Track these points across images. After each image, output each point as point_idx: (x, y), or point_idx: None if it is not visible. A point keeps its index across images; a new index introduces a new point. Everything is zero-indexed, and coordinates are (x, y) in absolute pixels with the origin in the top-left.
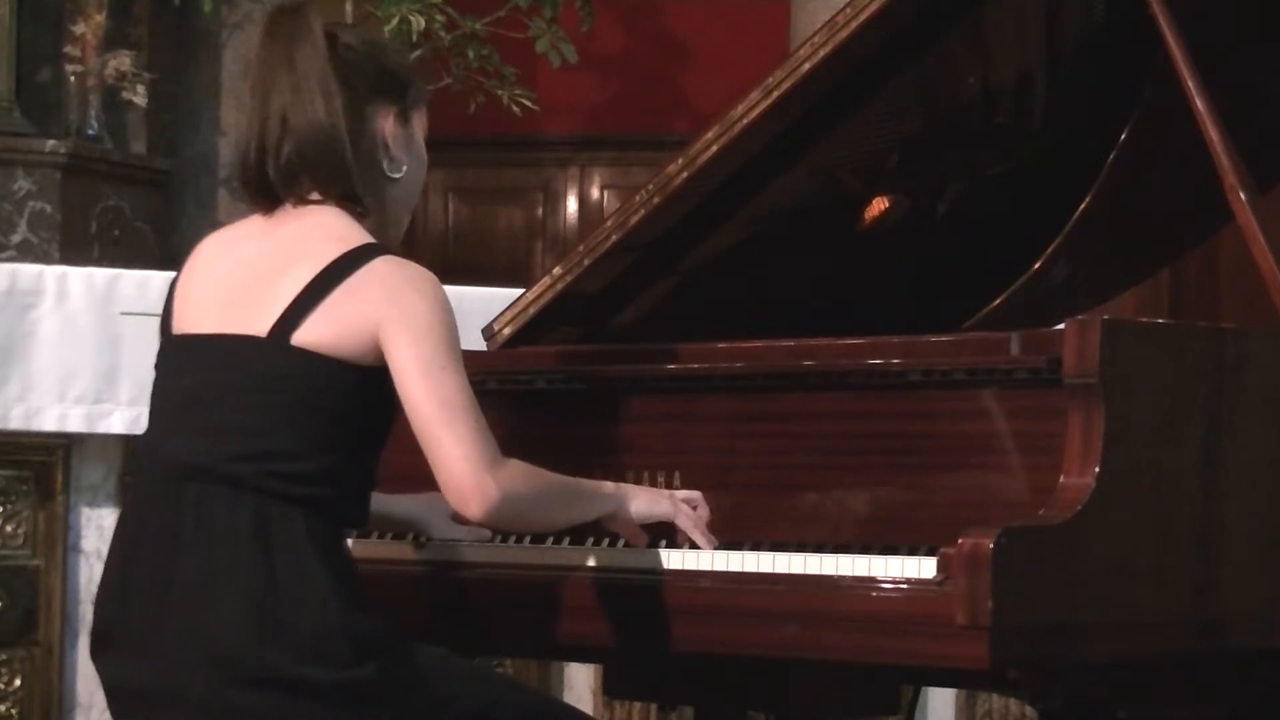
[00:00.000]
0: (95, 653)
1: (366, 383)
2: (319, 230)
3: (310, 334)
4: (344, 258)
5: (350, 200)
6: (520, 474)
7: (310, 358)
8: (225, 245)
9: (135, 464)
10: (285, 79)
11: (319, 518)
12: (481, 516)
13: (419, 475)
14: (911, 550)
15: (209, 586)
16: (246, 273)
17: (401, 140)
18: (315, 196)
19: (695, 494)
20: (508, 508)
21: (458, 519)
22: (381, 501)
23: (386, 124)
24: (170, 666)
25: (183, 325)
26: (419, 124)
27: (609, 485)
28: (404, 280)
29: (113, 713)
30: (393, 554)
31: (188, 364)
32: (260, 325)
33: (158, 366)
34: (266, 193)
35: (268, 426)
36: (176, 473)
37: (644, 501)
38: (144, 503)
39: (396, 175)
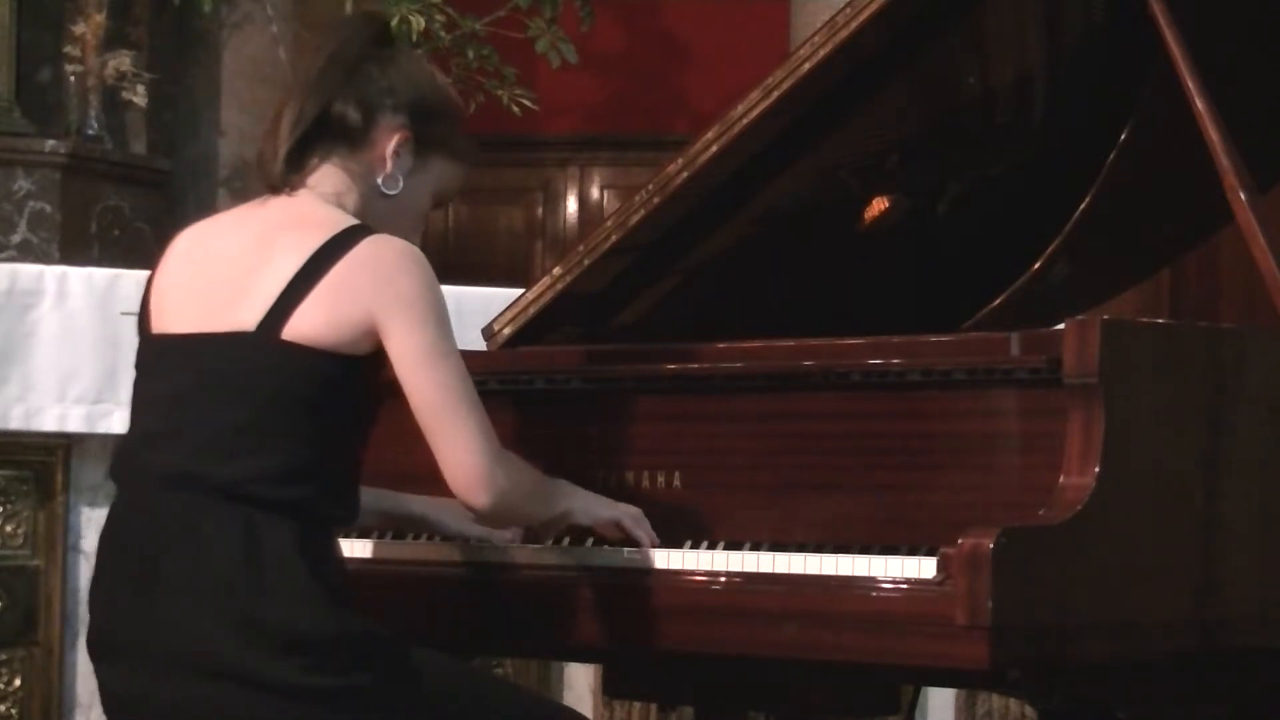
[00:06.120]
0: (91, 655)
1: (353, 372)
2: (299, 218)
3: (301, 326)
4: (328, 244)
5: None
6: (519, 466)
7: (301, 351)
8: (200, 239)
9: (116, 468)
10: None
11: (307, 521)
12: (487, 506)
13: (418, 475)
14: (911, 550)
15: (197, 596)
16: (224, 268)
17: (405, 165)
18: (301, 182)
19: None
20: (511, 498)
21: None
22: (393, 500)
23: (394, 136)
24: (160, 675)
25: (161, 324)
26: (437, 171)
27: (566, 483)
28: (393, 263)
29: (106, 714)
30: (392, 554)
31: (168, 365)
32: (247, 320)
33: (137, 367)
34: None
35: (253, 425)
36: (162, 481)
37: (591, 503)
38: (129, 510)
39: (390, 192)
